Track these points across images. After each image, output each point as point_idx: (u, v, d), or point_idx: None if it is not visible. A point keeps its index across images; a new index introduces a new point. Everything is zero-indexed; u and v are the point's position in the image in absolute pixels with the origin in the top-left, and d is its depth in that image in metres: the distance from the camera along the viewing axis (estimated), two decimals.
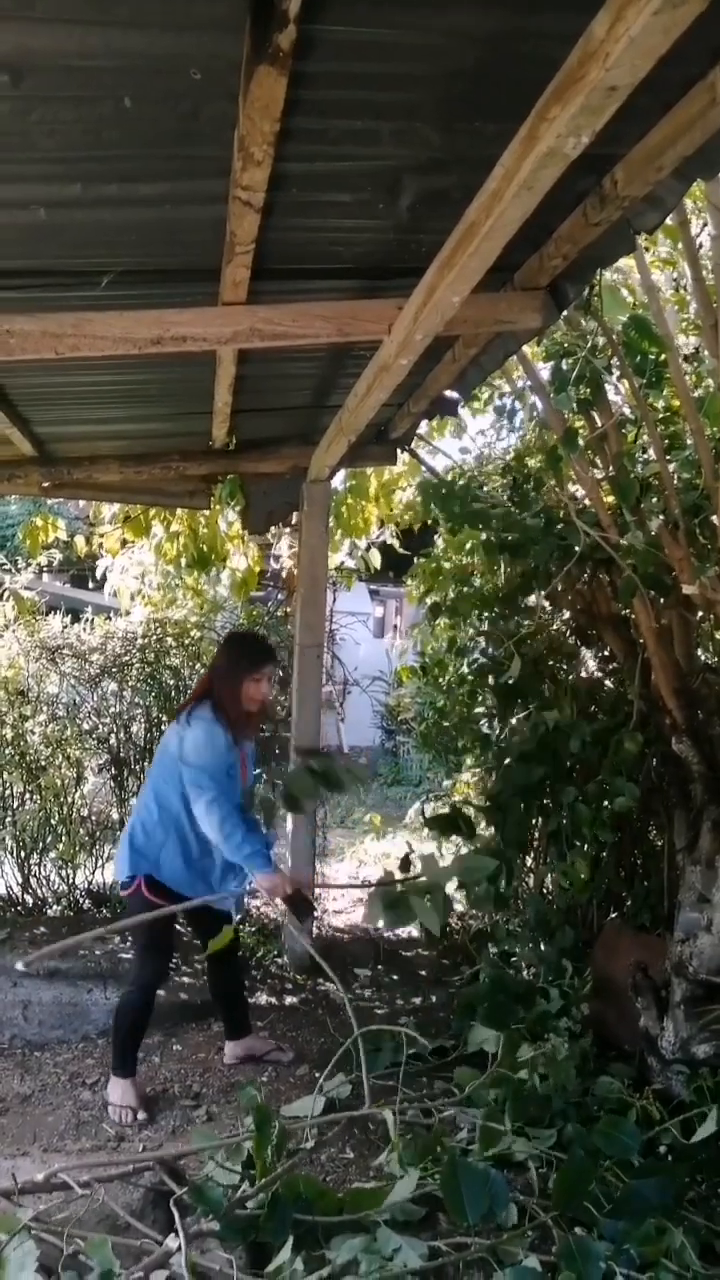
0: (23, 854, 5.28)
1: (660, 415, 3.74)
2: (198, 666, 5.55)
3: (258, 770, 5.57)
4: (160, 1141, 3.21)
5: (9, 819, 5.26)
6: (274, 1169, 2.58)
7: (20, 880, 5.31)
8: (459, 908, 5.60)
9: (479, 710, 4.99)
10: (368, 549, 6.15)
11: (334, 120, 1.95)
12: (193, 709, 3.39)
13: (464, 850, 5.57)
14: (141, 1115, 3.34)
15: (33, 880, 5.31)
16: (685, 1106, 3.03)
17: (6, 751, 5.24)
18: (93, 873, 5.41)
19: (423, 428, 4.89)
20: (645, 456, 3.75)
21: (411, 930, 5.32)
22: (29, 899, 5.28)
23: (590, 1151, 2.73)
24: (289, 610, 5.67)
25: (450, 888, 3.21)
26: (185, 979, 4.40)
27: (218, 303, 2.66)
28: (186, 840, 3.37)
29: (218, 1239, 2.46)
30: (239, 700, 3.36)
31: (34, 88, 1.72)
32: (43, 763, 5.29)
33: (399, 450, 4.92)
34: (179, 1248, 2.29)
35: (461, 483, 4.31)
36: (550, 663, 4.48)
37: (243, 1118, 3.11)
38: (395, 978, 4.82)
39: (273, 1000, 4.47)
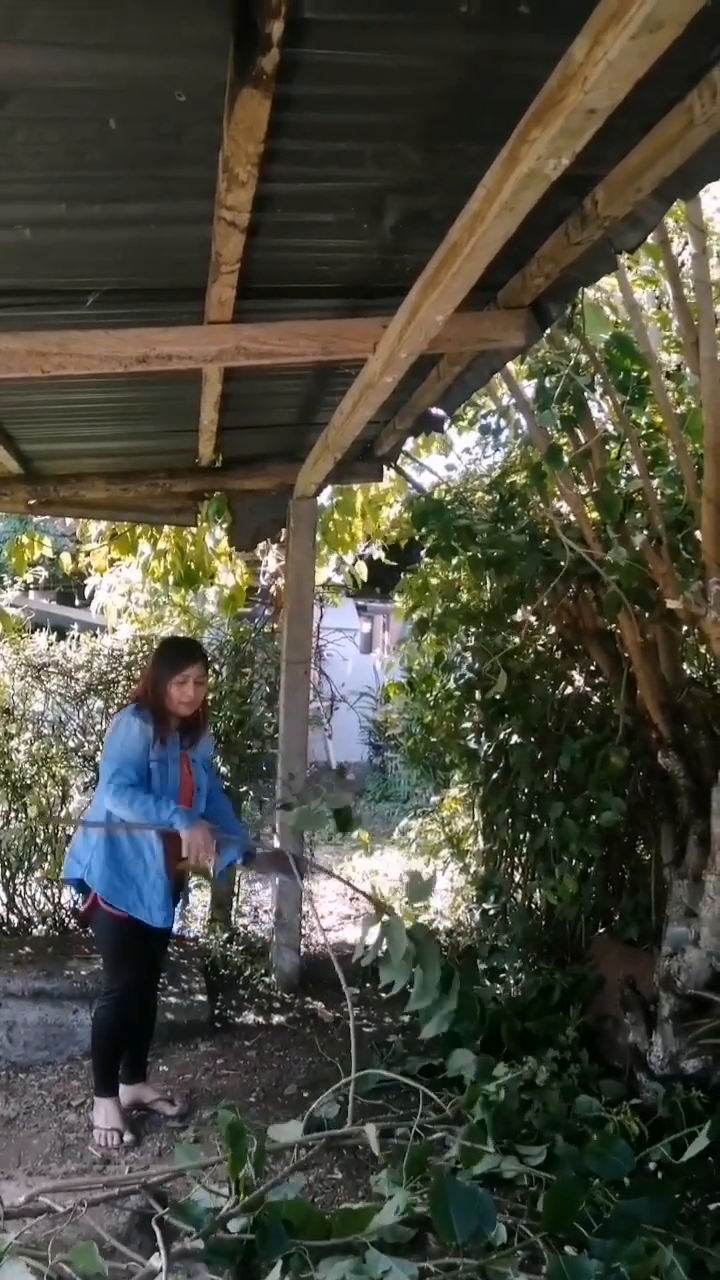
0: (8, 873, 5.23)
1: (643, 432, 3.78)
2: None
3: (243, 786, 5.57)
4: (146, 1164, 3.18)
5: None
6: (255, 1187, 2.56)
7: (5, 900, 5.26)
8: (447, 923, 5.60)
9: (466, 725, 5.00)
10: (355, 564, 6.16)
11: (317, 142, 1.97)
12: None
13: (452, 867, 5.58)
14: (128, 1138, 3.30)
15: (18, 900, 5.27)
16: (669, 1121, 3.02)
17: None
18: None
19: (409, 445, 4.91)
20: (629, 473, 3.78)
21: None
22: (14, 919, 5.23)
23: (581, 1171, 2.72)
24: (276, 626, 5.67)
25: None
26: (172, 999, 4.36)
27: (203, 321, 2.67)
28: (116, 842, 3.32)
29: (204, 1261, 2.44)
30: (164, 702, 3.31)
31: (19, 109, 1.73)
32: (28, 781, 5.25)
33: (385, 467, 4.94)
34: (161, 1269, 2.27)
35: (447, 500, 4.34)
36: (537, 678, 4.50)
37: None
38: (384, 995, 4.80)
39: (260, 1019, 4.44)
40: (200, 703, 3.41)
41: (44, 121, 1.80)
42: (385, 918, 3.01)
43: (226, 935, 5.24)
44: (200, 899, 5.77)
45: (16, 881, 5.25)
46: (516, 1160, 2.91)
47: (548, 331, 2.98)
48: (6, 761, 5.22)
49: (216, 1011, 4.43)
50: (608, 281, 3.50)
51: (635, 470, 3.57)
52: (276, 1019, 4.45)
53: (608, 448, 3.73)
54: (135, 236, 2.31)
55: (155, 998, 3.70)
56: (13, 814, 5.27)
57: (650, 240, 2.60)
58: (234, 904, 5.66)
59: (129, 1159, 3.21)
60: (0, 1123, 3.43)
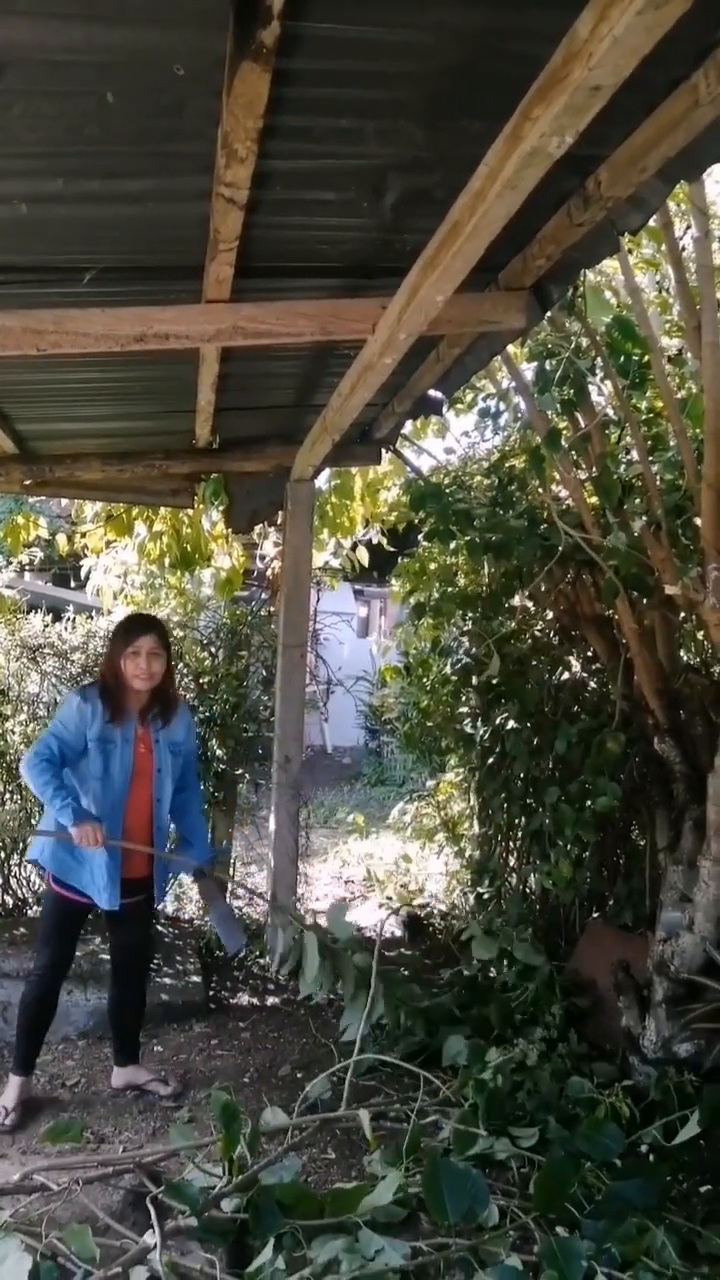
0: (2, 854, 5.24)
1: (644, 416, 3.76)
2: (180, 666, 5.53)
3: (238, 769, 5.57)
4: (141, 1143, 3.19)
5: None
6: (249, 1167, 2.57)
7: (0, 881, 5.27)
8: (441, 907, 5.62)
9: (462, 710, 5.00)
10: (353, 548, 6.14)
11: (318, 118, 1.94)
12: None
13: (447, 851, 5.59)
14: (11, 1119, 3.28)
15: (12, 881, 5.28)
16: (660, 1105, 3.04)
17: None
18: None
19: (407, 428, 4.89)
20: (628, 458, 3.77)
21: (394, 930, 5.32)
22: (8, 900, 5.24)
23: (572, 1153, 2.74)
24: (273, 610, 5.66)
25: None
26: (166, 980, 4.37)
27: (201, 300, 2.65)
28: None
29: (198, 1240, 2.45)
30: (119, 676, 3.26)
31: (15, 82, 1.71)
32: None
33: (383, 450, 4.91)
34: (155, 1245, 2.28)
35: (446, 483, 4.32)
36: (534, 663, 4.49)
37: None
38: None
39: (254, 1001, 4.45)
40: (159, 676, 3.29)
41: (41, 95, 1.77)
42: (297, 933, 3.09)
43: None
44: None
45: (11, 863, 5.26)
46: (509, 1142, 2.92)
47: (549, 314, 2.95)
48: (1, 742, 5.21)
49: (211, 993, 4.45)
50: (609, 264, 3.48)
51: (635, 455, 3.55)
52: (271, 1000, 4.46)
53: (608, 432, 3.72)
54: (133, 213, 2.28)
55: (143, 980, 3.66)
56: (7, 795, 5.27)
57: (653, 223, 2.58)
58: (229, 886, 5.67)
59: (124, 1138, 3.23)
60: None
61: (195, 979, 4.43)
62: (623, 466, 3.72)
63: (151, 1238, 2.35)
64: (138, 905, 3.44)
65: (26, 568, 6.61)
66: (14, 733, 5.29)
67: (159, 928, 4.99)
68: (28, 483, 4.68)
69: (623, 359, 3.29)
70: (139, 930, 3.56)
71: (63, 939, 3.40)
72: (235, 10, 1.52)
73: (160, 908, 4.83)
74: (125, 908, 3.35)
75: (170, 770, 3.42)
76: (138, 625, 3.36)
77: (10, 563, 6.08)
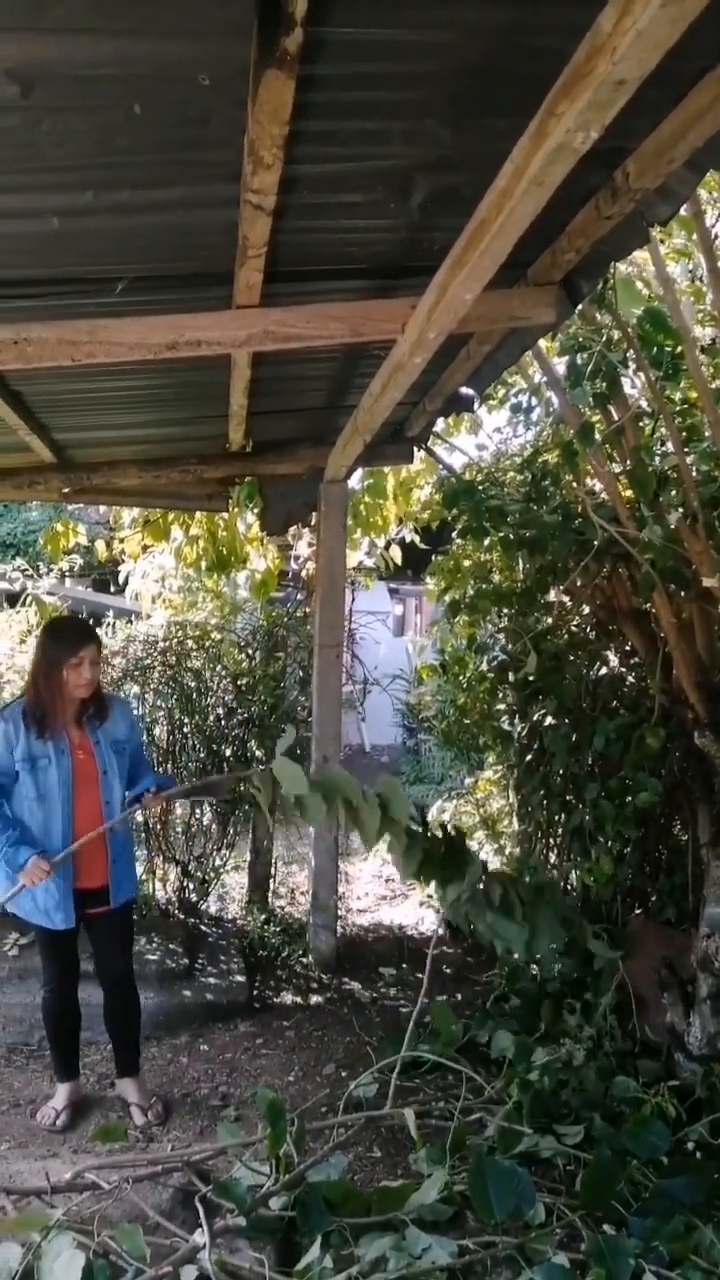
0: None
1: (678, 408, 3.72)
2: (218, 668, 5.57)
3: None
4: (189, 1141, 3.23)
5: None
6: (295, 1166, 2.59)
7: None
8: None
9: (500, 707, 4.98)
10: (387, 547, 6.14)
11: (343, 121, 1.95)
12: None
13: (487, 848, 5.57)
14: (62, 1120, 3.33)
15: None
16: (707, 1101, 3.02)
17: None
18: None
19: (439, 425, 4.88)
20: (663, 450, 3.73)
21: (436, 929, 5.32)
22: None
23: (618, 1151, 2.72)
24: (309, 610, 5.68)
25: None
26: (210, 979, 4.41)
27: (231, 306, 2.67)
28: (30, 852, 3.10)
29: (246, 1238, 2.47)
30: (56, 688, 3.13)
31: (44, 98, 1.73)
32: None
33: (415, 448, 4.91)
34: (205, 1244, 2.31)
35: (479, 480, 4.31)
36: (571, 658, 4.47)
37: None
38: (420, 976, 4.82)
39: (298, 1000, 4.48)
40: (96, 683, 3.21)
41: (69, 110, 1.80)
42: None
43: (264, 917, 5.29)
44: (238, 881, 5.82)
45: None
46: (554, 1139, 2.92)
47: (579, 308, 2.94)
48: None
49: (255, 992, 4.48)
50: (640, 255, 3.45)
51: (670, 447, 3.52)
52: (314, 999, 4.49)
53: (642, 424, 3.68)
54: (162, 222, 2.30)
55: (128, 991, 3.47)
56: None
57: (683, 212, 2.55)
58: (270, 885, 5.71)
59: (171, 1137, 3.27)
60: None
61: (239, 978, 4.46)
62: (658, 459, 3.69)
63: (201, 1237, 2.37)
64: (105, 916, 3.29)
65: (67, 574, 6.69)
66: None
67: (202, 929, 5.04)
68: (66, 491, 4.75)
69: (655, 350, 3.26)
70: (115, 942, 3.39)
71: (55, 958, 3.33)
72: (258, 19, 1.53)
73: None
74: (91, 920, 3.27)
75: (117, 770, 3.28)
76: (80, 635, 3.21)
77: (51, 569, 6.15)
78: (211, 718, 5.46)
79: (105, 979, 3.43)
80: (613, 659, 4.47)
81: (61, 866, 3.11)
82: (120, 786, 3.29)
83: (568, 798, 4.50)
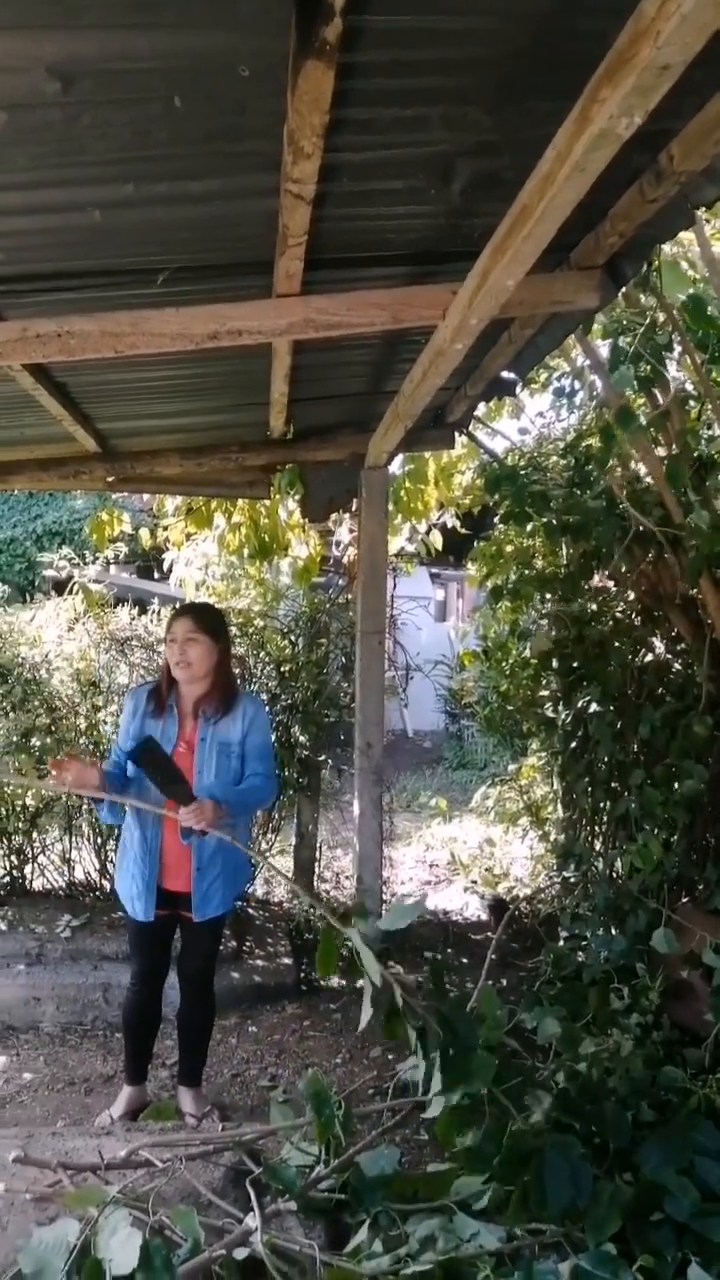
0: (99, 840, 5.41)
1: None
2: (261, 655, 5.61)
3: (320, 755, 5.61)
4: (239, 1122, 3.28)
5: (84, 807, 5.39)
6: (345, 1149, 2.62)
7: (98, 866, 5.45)
8: (526, 891, 5.60)
9: (543, 694, 4.96)
10: (428, 532, 6.13)
11: (383, 109, 1.93)
12: None
13: (531, 834, 5.56)
14: (117, 1123, 3.30)
15: (109, 866, 5.44)
16: None
17: (81, 741, 5.37)
18: None
19: (480, 410, 4.84)
20: (709, 433, 3.67)
21: (480, 914, 5.33)
22: (106, 884, 5.41)
23: (658, 1177, 2.68)
24: (351, 597, 5.69)
25: None
26: (258, 961, 4.47)
27: (272, 295, 2.67)
28: (131, 832, 3.24)
29: (296, 1219, 2.51)
30: (168, 669, 3.22)
31: (84, 93, 1.74)
32: None
33: (456, 433, 4.88)
34: (257, 1227, 2.35)
35: (521, 465, 4.28)
36: (616, 645, 4.43)
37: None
38: (465, 961, 4.84)
39: (344, 983, 4.52)
40: (199, 664, 3.14)
41: (109, 104, 1.81)
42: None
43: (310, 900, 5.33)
44: (284, 865, 5.88)
45: (108, 849, 5.42)
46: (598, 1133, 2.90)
47: (622, 291, 2.89)
48: (95, 733, 5.37)
49: (302, 974, 4.53)
50: (685, 236, 3.39)
51: (716, 430, 3.46)
52: (360, 982, 4.51)
53: (687, 408, 3.63)
54: (203, 213, 2.31)
55: (201, 1001, 3.43)
56: None
57: None
58: (316, 870, 5.75)
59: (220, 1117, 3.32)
60: (100, 1080, 3.58)
61: (286, 961, 4.51)
62: (703, 442, 3.63)
63: (253, 1220, 2.41)
64: (191, 924, 3.27)
65: (112, 562, 6.77)
66: (106, 723, 5.44)
67: (249, 911, 5.09)
68: (110, 480, 4.80)
69: (701, 332, 3.21)
70: (198, 951, 3.38)
71: (141, 951, 3.36)
72: (297, 9, 1.52)
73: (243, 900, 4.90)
74: (184, 922, 3.28)
75: (215, 772, 3.15)
76: (174, 612, 3.33)
77: (97, 558, 6.23)
78: None
79: (184, 984, 3.45)
80: (658, 645, 4.42)
81: (147, 860, 3.16)
82: (220, 791, 3.11)
83: (613, 785, 4.47)
